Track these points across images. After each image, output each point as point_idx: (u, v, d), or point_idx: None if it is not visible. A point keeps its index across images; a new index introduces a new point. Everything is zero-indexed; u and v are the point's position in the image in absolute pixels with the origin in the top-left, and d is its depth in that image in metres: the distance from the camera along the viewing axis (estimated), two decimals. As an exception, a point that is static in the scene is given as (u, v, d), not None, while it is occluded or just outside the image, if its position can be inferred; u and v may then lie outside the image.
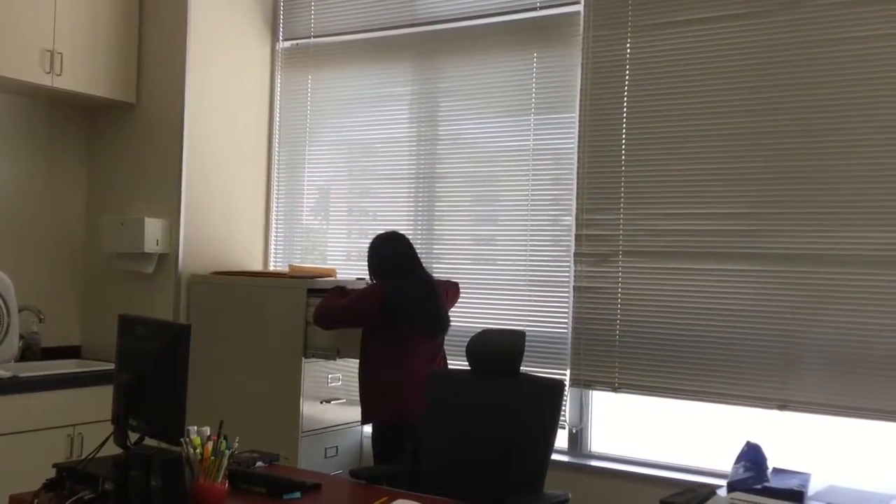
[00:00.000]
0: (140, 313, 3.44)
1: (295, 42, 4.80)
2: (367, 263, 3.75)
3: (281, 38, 4.82)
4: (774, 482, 2.91)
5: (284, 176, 4.83)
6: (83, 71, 4.23)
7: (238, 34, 4.67)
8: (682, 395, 3.63)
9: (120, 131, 4.58)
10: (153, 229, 4.31)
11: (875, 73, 3.29)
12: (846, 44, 3.34)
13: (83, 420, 3.92)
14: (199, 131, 4.44)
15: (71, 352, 4.53)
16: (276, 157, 4.83)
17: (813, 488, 2.93)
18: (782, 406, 3.42)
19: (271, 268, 4.81)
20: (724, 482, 2.97)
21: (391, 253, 3.69)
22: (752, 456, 3.03)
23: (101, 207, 4.60)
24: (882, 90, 3.27)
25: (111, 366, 2.89)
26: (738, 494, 1.88)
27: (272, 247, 4.84)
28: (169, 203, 4.39)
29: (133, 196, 4.51)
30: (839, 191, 3.35)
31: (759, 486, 2.85)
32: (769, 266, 3.47)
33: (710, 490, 1.87)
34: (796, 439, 3.44)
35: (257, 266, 4.77)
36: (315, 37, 4.72)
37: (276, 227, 4.84)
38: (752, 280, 3.50)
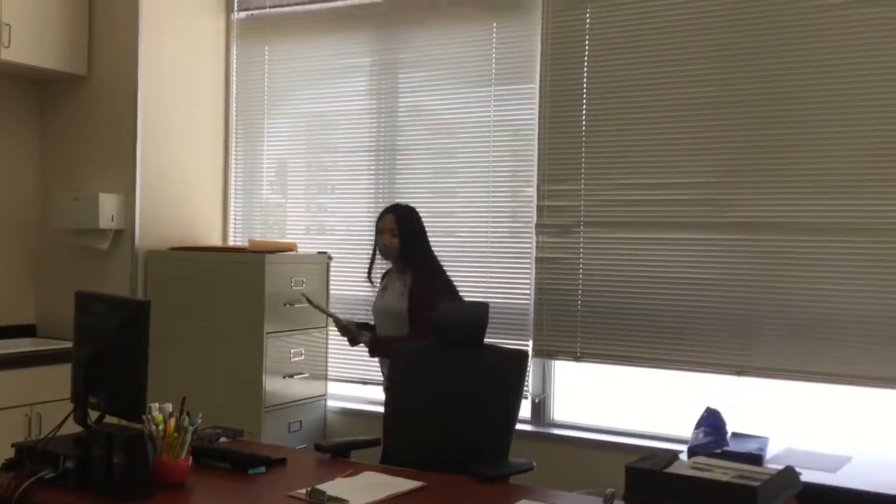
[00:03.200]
0: (96, 290, 3.38)
1: (250, 12, 4.71)
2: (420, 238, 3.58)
3: (236, 7, 4.72)
4: (734, 446, 2.98)
5: (242, 150, 4.76)
6: (32, 42, 4.11)
7: (192, 4, 4.57)
8: (643, 362, 3.67)
9: (72, 105, 4.47)
10: (108, 205, 4.23)
11: (836, 42, 3.32)
12: (809, 12, 3.37)
13: (41, 399, 3.85)
14: (154, 104, 4.35)
15: (25, 330, 4.44)
16: (234, 131, 4.76)
17: (771, 451, 3.00)
18: (741, 372, 3.48)
19: (231, 243, 4.76)
20: (685, 447, 3.02)
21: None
22: (711, 421, 3.09)
23: (53, 183, 4.50)
24: (844, 58, 3.31)
25: (68, 344, 2.84)
26: (698, 459, 1.92)
27: (231, 222, 4.77)
28: (124, 178, 4.30)
29: (87, 171, 4.41)
30: (798, 159, 3.39)
31: (718, 451, 2.91)
32: (729, 235, 3.51)
33: (672, 455, 1.90)
34: (754, 404, 3.51)
35: (216, 241, 4.71)
36: (271, 7, 4.63)
37: (235, 202, 4.77)
38: (711, 249, 3.54)
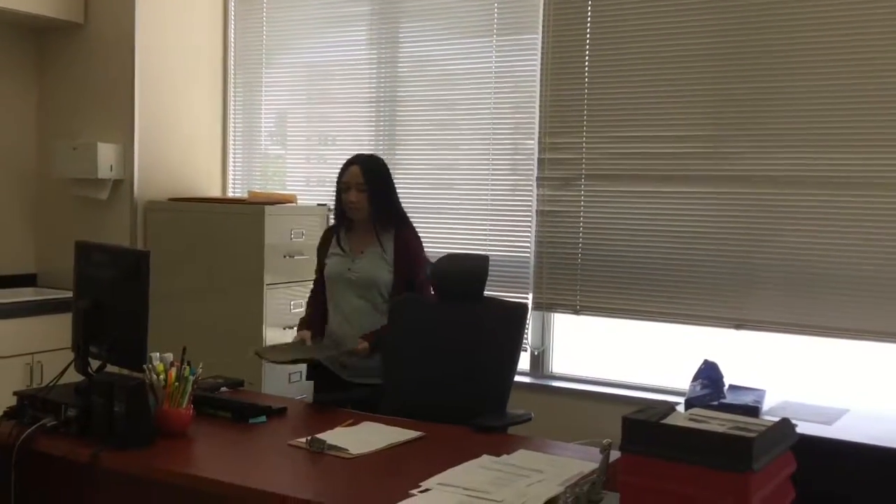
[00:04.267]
0: (96, 240, 3.37)
1: (249, -41, 4.64)
2: None
3: (234, -45, 4.65)
4: (731, 398, 3.00)
5: (241, 100, 4.72)
6: (27, -11, 4.06)
7: (189, -49, 4.50)
8: (642, 316, 3.69)
9: (69, 53, 4.42)
10: (106, 154, 4.20)
11: (836, -6, 3.27)
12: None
13: (42, 349, 3.88)
14: (152, 53, 4.31)
15: (26, 280, 4.46)
16: (233, 81, 4.71)
17: (768, 404, 3.02)
18: (739, 325, 3.49)
19: (230, 194, 4.74)
20: (682, 399, 3.05)
21: None
22: (709, 374, 3.11)
23: (52, 132, 4.47)
24: (844, 11, 3.26)
25: (68, 293, 2.85)
26: (695, 410, 1.93)
27: (230, 173, 4.75)
28: (122, 127, 4.27)
29: (85, 120, 4.38)
30: (797, 112, 3.36)
31: (715, 403, 2.94)
32: (729, 188, 3.49)
33: (669, 407, 1.92)
34: (752, 357, 3.53)
35: (216, 192, 4.70)
36: (270, -46, 4.56)
37: (234, 153, 4.75)
38: (711, 202, 3.53)
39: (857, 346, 3.33)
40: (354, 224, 3.22)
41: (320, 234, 3.84)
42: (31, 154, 4.52)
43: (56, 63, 4.47)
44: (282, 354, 3.18)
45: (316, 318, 3.29)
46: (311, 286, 3.42)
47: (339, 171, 3.22)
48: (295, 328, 3.47)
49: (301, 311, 4.14)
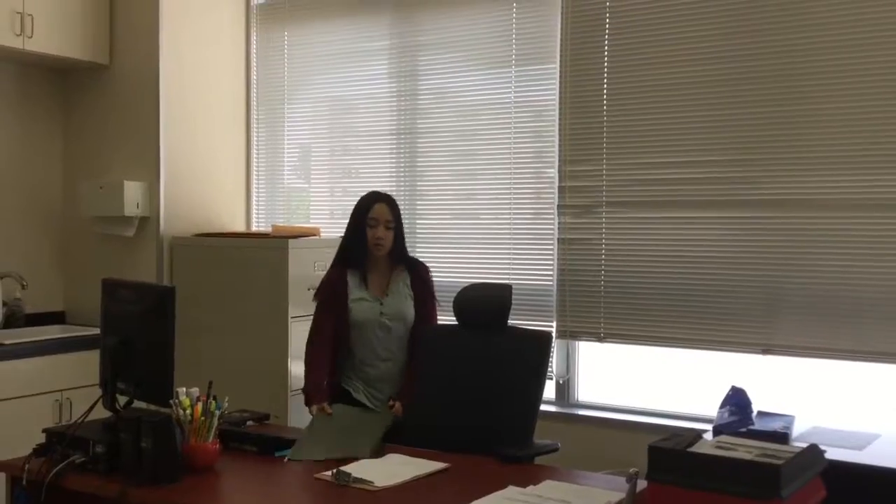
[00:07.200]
0: (122, 277, 3.42)
1: (270, -2, 4.72)
2: None
3: (255, -6, 4.74)
4: (759, 425, 2.96)
5: (264, 135, 4.78)
6: (55, 32, 4.15)
7: (211, -9, 4.59)
8: (667, 342, 3.66)
9: (94, 93, 4.51)
10: (133, 192, 4.27)
11: (855, 15, 3.27)
12: (827, -14, 3.32)
13: (70, 385, 3.91)
14: (176, 91, 4.38)
15: (55, 317, 4.51)
16: (255, 116, 4.78)
17: (797, 430, 2.97)
18: (766, 350, 3.46)
19: (254, 228, 4.79)
20: (709, 426, 3.01)
21: None
22: (736, 400, 3.07)
23: (78, 171, 4.55)
24: (863, 32, 3.26)
25: (96, 330, 2.88)
26: (723, 438, 1.91)
27: (254, 207, 4.80)
28: (148, 165, 4.34)
29: (111, 159, 4.45)
30: (822, 135, 3.34)
31: (743, 430, 2.89)
32: (751, 213, 3.48)
33: (697, 434, 1.90)
34: (780, 383, 3.48)
35: (240, 227, 4.74)
36: (290, -8, 4.64)
37: (258, 187, 4.80)
38: (734, 227, 3.51)
39: (888, 369, 3.28)
40: (369, 263, 3.22)
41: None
42: (57, 193, 4.60)
43: (82, 103, 4.56)
44: (320, 451, 2.69)
45: (323, 380, 3.16)
46: (308, 338, 3.25)
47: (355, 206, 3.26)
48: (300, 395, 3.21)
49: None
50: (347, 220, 3.29)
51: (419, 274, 3.28)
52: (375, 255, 3.21)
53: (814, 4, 3.34)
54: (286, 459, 2.62)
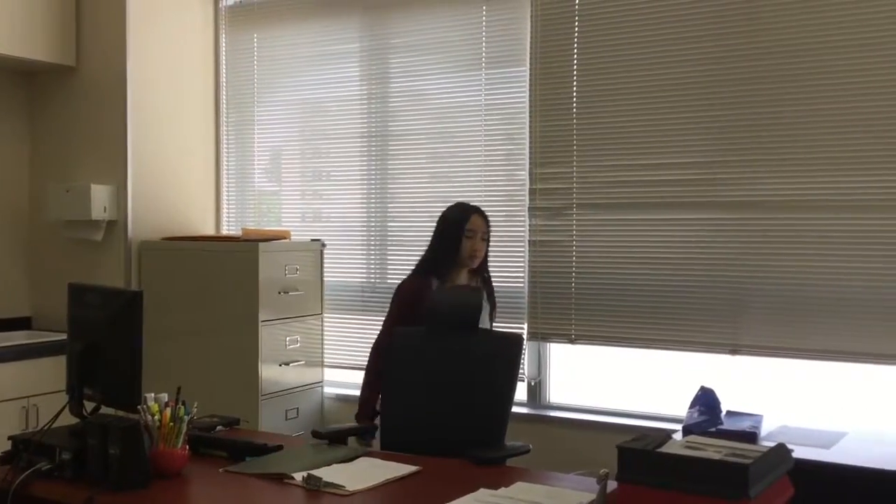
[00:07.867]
0: (90, 282, 3.38)
1: (238, 0, 4.69)
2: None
3: (224, -5, 4.71)
4: (728, 424, 2.99)
5: (234, 138, 4.75)
6: (19, 34, 4.10)
7: (180, -7, 4.55)
8: (638, 343, 3.68)
9: (61, 96, 4.45)
10: (100, 196, 4.22)
11: (827, 19, 3.31)
12: (793, -9, 3.36)
13: (37, 392, 3.86)
14: (144, 94, 4.34)
15: (21, 323, 4.45)
16: (225, 119, 4.74)
17: (765, 429, 3.01)
18: (734, 350, 3.49)
19: (224, 232, 4.75)
20: (679, 426, 3.04)
21: None
22: (705, 400, 3.10)
23: (45, 175, 4.49)
24: (833, 35, 3.30)
25: (63, 336, 2.84)
26: (692, 438, 1.93)
27: (224, 210, 4.77)
28: (116, 168, 4.29)
29: (78, 162, 4.40)
30: (786, 137, 3.39)
31: (713, 429, 2.92)
32: (720, 214, 3.51)
33: (666, 435, 1.91)
34: (748, 383, 3.52)
35: (209, 230, 4.71)
36: (259, -6, 4.62)
37: (228, 191, 4.76)
38: (703, 228, 3.55)
39: (854, 368, 3.33)
40: (451, 273, 3.31)
41: (316, 269, 3.70)
42: (24, 197, 4.54)
43: (48, 106, 4.50)
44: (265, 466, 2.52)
45: (376, 401, 3.24)
46: (376, 344, 3.33)
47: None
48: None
49: (297, 346, 4.15)
50: (434, 230, 3.38)
51: (492, 286, 3.44)
52: (468, 265, 3.33)
53: (784, 7, 3.37)
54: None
